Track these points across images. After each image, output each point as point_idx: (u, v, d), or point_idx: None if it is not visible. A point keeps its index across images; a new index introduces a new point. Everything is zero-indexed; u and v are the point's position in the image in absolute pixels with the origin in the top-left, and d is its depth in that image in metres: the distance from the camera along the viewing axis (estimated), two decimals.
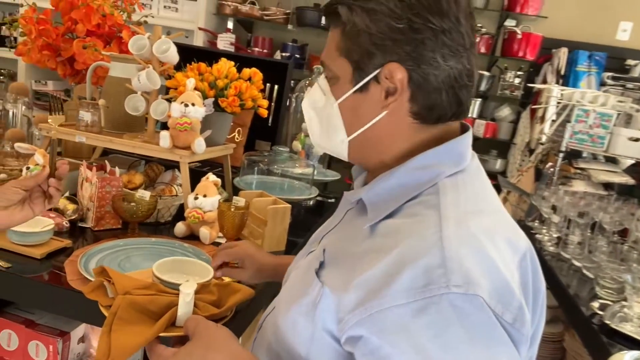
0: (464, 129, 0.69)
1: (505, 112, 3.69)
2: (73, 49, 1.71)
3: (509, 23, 3.56)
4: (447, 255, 0.55)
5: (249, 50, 3.67)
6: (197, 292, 0.74)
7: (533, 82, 3.47)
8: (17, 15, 3.15)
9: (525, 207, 2.47)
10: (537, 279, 0.65)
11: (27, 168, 1.31)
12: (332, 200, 1.84)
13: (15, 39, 3.58)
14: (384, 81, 0.64)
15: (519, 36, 3.45)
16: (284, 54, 3.62)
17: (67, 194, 1.32)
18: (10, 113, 1.72)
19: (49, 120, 1.61)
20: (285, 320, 0.67)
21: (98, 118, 1.41)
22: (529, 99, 3.57)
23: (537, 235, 2.05)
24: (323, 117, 0.71)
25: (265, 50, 3.71)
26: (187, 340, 0.68)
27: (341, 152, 0.71)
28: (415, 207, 0.63)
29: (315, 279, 0.66)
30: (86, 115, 1.40)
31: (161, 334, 0.70)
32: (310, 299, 0.64)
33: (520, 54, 3.50)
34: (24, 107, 1.75)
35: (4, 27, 3.65)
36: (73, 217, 1.25)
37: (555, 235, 1.97)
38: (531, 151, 3.26)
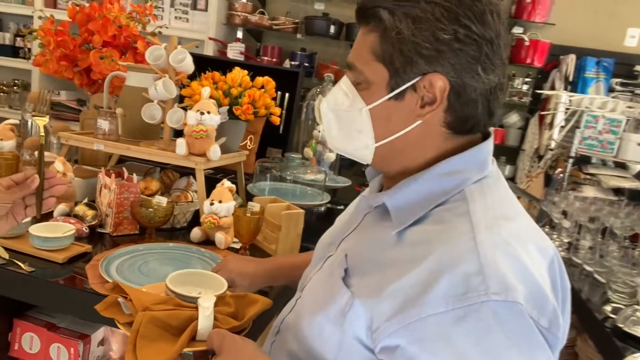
0: (485, 135, 0.69)
1: (513, 118, 3.70)
2: (90, 60, 1.75)
3: (517, 30, 3.57)
4: (483, 262, 0.55)
5: (258, 59, 3.72)
6: (214, 305, 0.73)
7: (541, 89, 3.47)
8: (31, 26, 3.22)
9: (535, 213, 2.47)
10: (564, 282, 0.65)
11: None
12: (342, 207, 1.85)
13: (29, 49, 3.65)
14: (421, 90, 0.63)
15: (527, 43, 3.46)
16: (293, 63, 3.66)
17: (85, 201, 1.35)
18: (29, 122, 1.76)
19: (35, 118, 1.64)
20: (310, 327, 0.67)
21: (115, 126, 1.45)
22: (537, 105, 3.57)
23: None
24: (345, 120, 0.69)
25: (274, 59, 3.75)
26: (209, 353, 0.68)
27: (364, 156, 0.70)
28: (443, 213, 0.63)
29: (342, 287, 0.65)
30: (104, 124, 1.43)
31: (185, 350, 0.69)
32: (339, 307, 0.64)
33: (528, 60, 3.50)
34: None
35: (18, 39, 3.73)
36: (92, 223, 1.28)
37: (566, 241, 1.98)
38: (540, 157, 3.27)
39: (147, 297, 0.75)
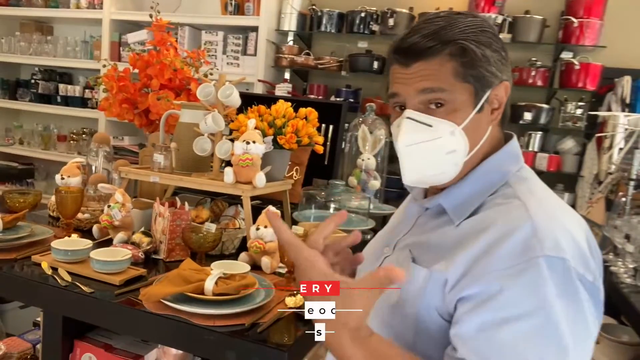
0: (507, 136, 0.83)
1: (568, 144, 3.56)
2: (148, 102, 1.89)
3: (566, 55, 3.50)
4: (537, 227, 0.67)
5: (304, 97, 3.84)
6: (225, 277, 1.09)
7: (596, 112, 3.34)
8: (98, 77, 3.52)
9: (597, 240, 2.33)
10: (598, 251, 0.74)
11: (109, 206, 1.45)
12: None
13: (96, 101, 3.97)
14: (492, 98, 0.77)
15: (577, 67, 3.38)
16: (338, 99, 3.75)
17: (142, 229, 1.43)
18: (94, 167, 1.91)
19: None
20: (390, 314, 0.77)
21: (170, 160, 1.54)
22: (594, 129, 3.43)
23: (612, 268, 1.93)
24: (432, 149, 0.75)
25: (320, 97, 3.86)
26: None
27: (445, 177, 0.78)
28: (495, 200, 0.75)
29: (415, 267, 0.74)
30: (159, 158, 1.53)
31: (189, 293, 1.05)
32: (417, 285, 0.73)
33: (580, 84, 3.40)
34: (103, 158, 1.94)
35: (86, 91, 4.07)
36: (147, 249, 1.35)
37: (631, 266, 1.85)
38: (600, 183, 3.10)
39: (188, 272, 1.09)
